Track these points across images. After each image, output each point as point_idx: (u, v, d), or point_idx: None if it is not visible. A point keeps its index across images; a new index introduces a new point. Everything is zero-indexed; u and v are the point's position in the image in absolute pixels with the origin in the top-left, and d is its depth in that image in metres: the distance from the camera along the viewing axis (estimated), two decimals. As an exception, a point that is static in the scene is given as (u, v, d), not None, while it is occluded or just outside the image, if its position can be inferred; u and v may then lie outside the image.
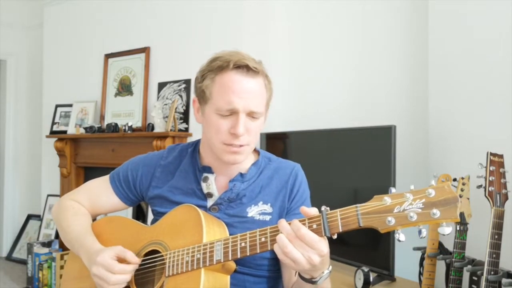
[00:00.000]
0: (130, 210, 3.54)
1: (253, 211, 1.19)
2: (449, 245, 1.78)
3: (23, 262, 4.25)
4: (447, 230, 0.85)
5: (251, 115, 1.13)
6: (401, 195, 0.88)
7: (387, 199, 0.89)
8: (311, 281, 1.00)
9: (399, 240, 0.88)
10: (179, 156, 1.30)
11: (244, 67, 1.11)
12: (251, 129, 1.14)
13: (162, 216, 1.21)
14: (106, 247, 1.16)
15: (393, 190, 0.90)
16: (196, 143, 1.31)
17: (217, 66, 1.12)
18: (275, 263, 1.21)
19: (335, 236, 0.93)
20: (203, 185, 1.22)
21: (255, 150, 1.29)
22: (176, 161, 1.29)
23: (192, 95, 1.26)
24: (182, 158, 1.29)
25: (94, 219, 1.36)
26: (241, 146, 1.13)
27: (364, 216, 0.89)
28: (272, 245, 0.97)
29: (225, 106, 1.10)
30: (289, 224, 0.95)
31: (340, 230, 0.91)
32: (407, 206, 0.87)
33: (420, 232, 0.86)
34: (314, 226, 0.93)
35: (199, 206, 1.14)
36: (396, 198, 0.88)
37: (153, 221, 1.27)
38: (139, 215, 3.55)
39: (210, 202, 1.22)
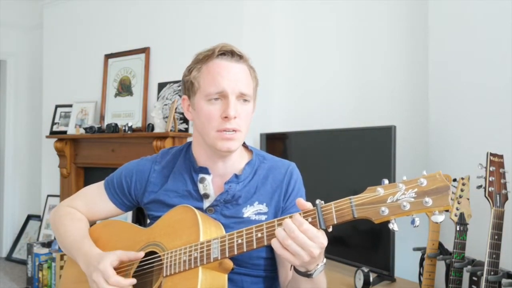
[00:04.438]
0: (130, 212, 3.54)
1: (249, 212, 1.19)
2: (449, 246, 1.78)
3: (23, 263, 4.25)
4: (440, 218, 0.87)
5: (241, 97, 1.15)
6: (393, 185, 0.90)
7: (380, 190, 0.90)
8: (306, 274, 1.00)
9: (393, 230, 0.89)
10: (173, 159, 1.30)
11: (229, 52, 1.16)
12: (242, 113, 1.16)
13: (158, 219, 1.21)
14: (106, 252, 1.16)
15: (385, 181, 0.92)
16: (188, 145, 1.31)
17: (203, 57, 1.17)
18: (271, 263, 1.21)
19: (330, 229, 0.94)
20: (200, 186, 1.22)
21: (248, 149, 1.29)
22: (170, 164, 1.29)
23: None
24: (176, 160, 1.29)
25: (92, 225, 1.36)
26: (234, 131, 1.14)
27: (358, 207, 0.91)
28: (268, 240, 0.97)
29: (214, 90, 1.13)
30: (288, 218, 0.95)
31: (335, 222, 0.92)
32: (400, 196, 0.88)
33: (413, 221, 0.88)
34: (309, 220, 0.94)
35: (195, 208, 1.14)
36: (389, 189, 0.90)
37: (149, 225, 1.26)
38: (140, 217, 3.55)
39: (206, 204, 1.21)
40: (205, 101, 1.15)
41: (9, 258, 4.57)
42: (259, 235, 0.99)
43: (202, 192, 1.22)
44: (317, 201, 0.95)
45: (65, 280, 1.34)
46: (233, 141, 1.16)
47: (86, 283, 1.16)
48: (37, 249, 3.77)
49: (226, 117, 1.13)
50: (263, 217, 1.18)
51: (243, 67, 1.18)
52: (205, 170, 1.23)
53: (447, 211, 1.63)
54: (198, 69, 1.17)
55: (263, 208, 1.19)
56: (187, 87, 1.21)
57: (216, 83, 1.13)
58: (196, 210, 1.12)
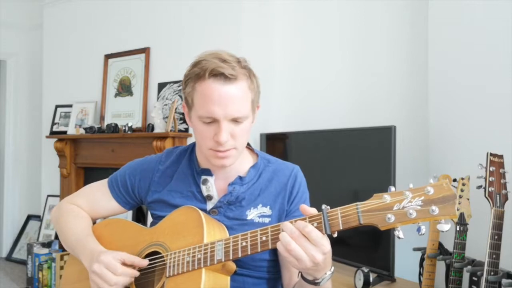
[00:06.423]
0: (130, 212, 3.54)
1: (253, 214, 1.19)
2: (449, 246, 1.78)
3: (23, 263, 4.25)
4: (446, 227, 0.87)
5: (234, 120, 1.11)
6: (400, 193, 0.90)
7: (386, 197, 0.90)
8: (313, 282, 1.00)
9: (398, 237, 0.89)
10: (177, 159, 1.30)
11: (220, 75, 1.08)
12: (236, 134, 1.12)
13: (161, 219, 1.21)
14: (111, 250, 1.16)
15: (392, 188, 0.92)
16: (193, 146, 1.31)
17: (195, 74, 1.10)
18: (274, 265, 1.21)
19: (335, 235, 0.94)
20: (203, 187, 1.22)
21: (253, 152, 1.29)
22: (174, 164, 1.29)
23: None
24: (180, 161, 1.29)
25: (94, 223, 1.36)
26: (227, 150, 1.12)
27: (364, 213, 0.91)
28: (273, 243, 0.97)
29: (205, 114, 1.09)
30: (292, 222, 0.95)
31: (341, 228, 0.93)
32: (406, 203, 0.88)
33: (419, 229, 0.88)
34: (315, 225, 0.94)
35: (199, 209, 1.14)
36: (396, 196, 0.90)
37: (152, 225, 1.27)
38: (139, 216, 3.55)
39: (209, 205, 1.21)
40: (199, 120, 1.12)
41: (9, 258, 4.56)
42: (264, 238, 0.99)
43: (205, 193, 1.22)
44: (323, 206, 0.95)
45: (67, 279, 1.34)
46: (227, 159, 1.14)
47: (88, 281, 1.16)
48: (37, 249, 3.77)
49: (217, 141, 1.10)
50: (267, 220, 1.18)
51: (236, 88, 1.09)
52: (207, 172, 1.22)
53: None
54: (192, 86, 1.12)
55: (266, 210, 1.19)
56: (184, 98, 1.17)
57: (206, 107, 1.08)
58: (200, 211, 1.12)
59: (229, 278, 1.09)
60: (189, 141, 3.23)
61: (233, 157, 1.15)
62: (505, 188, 1.55)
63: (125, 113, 3.70)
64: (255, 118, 1.20)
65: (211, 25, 3.18)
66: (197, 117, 1.12)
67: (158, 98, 3.46)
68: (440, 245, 1.84)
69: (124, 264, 1.12)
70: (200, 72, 1.09)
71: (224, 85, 1.08)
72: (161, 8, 3.50)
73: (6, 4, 4.56)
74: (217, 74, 1.08)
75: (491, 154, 1.57)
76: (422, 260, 1.94)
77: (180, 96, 3.31)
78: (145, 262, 1.14)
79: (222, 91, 1.08)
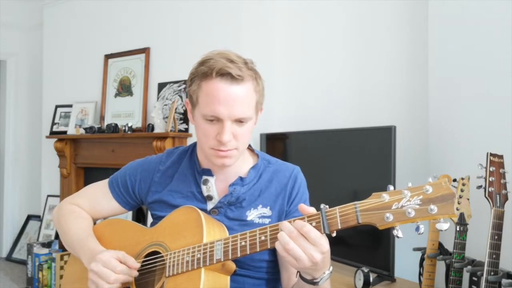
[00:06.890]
0: (130, 212, 3.54)
1: (253, 215, 1.19)
2: (449, 246, 1.78)
3: (23, 263, 4.25)
4: (445, 226, 0.87)
5: (238, 120, 1.12)
6: (399, 192, 0.90)
7: (385, 196, 0.90)
8: (312, 282, 1.00)
9: (397, 237, 0.89)
10: (178, 159, 1.30)
11: (227, 74, 1.08)
12: (239, 134, 1.13)
13: (161, 220, 1.21)
14: (109, 249, 1.16)
15: (391, 187, 0.92)
16: (194, 146, 1.31)
17: (202, 73, 1.11)
18: (274, 265, 1.22)
19: (334, 234, 0.94)
20: (203, 187, 1.22)
21: (254, 153, 1.29)
22: (175, 165, 1.30)
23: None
24: (181, 161, 1.30)
25: (94, 223, 1.37)
26: (228, 150, 1.13)
27: (363, 213, 0.91)
28: (272, 243, 0.98)
29: (209, 113, 1.10)
30: (291, 222, 0.95)
31: (339, 227, 0.92)
32: (405, 202, 0.88)
33: (418, 228, 0.88)
34: (313, 224, 0.94)
35: (199, 209, 1.14)
36: (394, 195, 0.90)
37: (152, 225, 1.27)
38: (139, 216, 3.55)
39: (210, 205, 1.22)
40: (202, 119, 1.13)
41: (9, 258, 4.56)
42: (263, 238, 0.99)
43: (205, 194, 1.22)
44: (322, 206, 0.95)
45: (67, 278, 1.34)
46: (228, 158, 1.15)
47: (88, 280, 1.16)
48: (37, 249, 3.77)
49: (219, 141, 1.11)
50: (267, 221, 1.19)
51: (242, 89, 1.10)
52: (208, 172, 1.23)
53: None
54: (197, 84, 1.13)
55: (266, 211, 1.20)
56: (189, 96, 1.18)
57: (212, 107, 1.09)
58: (200, 211, 1.13)
59: (228, 278, 1.09)
60: (189, 141, 3.23)
61: (234, 157, 1.16)
62: (505, 188, 1.55)
63: (125, 113, 3.70)
64: (257, 119, 1.21)
65: (211, 25, 3.18)
66: (200, 115, 1.13)
67: (158, 98, 3.46)
68: (440, 245, 1.84)
69: (120, 261, 1.12)
70: (207, 70, 1.10)
71: (231, 86, 1.09)
72: (161, 8, 3.50)
73: (6, 4, 4.56)
74: (224, 74, 1.09)
75: (491, 154, 1.57)
76: (422, 260, 1.94)
77: (180, 96, 3.31)
78: (137, 265, 1.14)
79: (228, 91, 1.09)
